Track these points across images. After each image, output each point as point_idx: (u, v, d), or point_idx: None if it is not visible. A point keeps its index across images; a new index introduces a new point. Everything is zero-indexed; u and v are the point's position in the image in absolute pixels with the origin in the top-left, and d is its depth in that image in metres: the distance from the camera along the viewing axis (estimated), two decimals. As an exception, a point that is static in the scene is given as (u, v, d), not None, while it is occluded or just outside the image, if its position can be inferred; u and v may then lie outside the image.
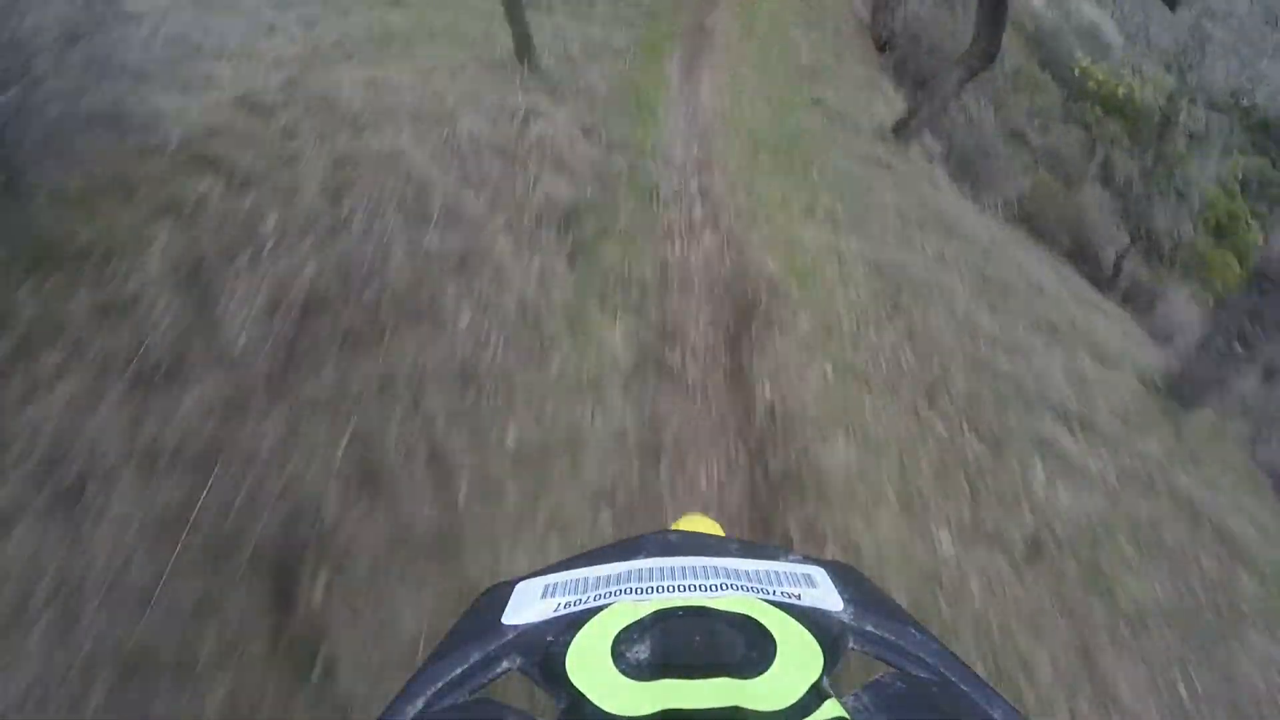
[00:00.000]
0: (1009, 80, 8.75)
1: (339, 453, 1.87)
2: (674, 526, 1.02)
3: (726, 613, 0.32)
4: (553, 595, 0.36)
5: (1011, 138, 7.85)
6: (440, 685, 0.31)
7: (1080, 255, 6.91)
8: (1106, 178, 8.37)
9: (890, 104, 6.65)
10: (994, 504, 2.51)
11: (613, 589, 0.35)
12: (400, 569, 1.69)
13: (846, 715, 0.26)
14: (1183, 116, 8.12)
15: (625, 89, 4.86)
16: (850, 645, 0.32)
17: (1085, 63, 9.16)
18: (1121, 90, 8.73)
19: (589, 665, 0.29)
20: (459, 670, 0.32)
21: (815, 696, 0.27)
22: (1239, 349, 3.57)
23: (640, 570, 0.37)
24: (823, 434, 2.45)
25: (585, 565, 0.39)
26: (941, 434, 2.71)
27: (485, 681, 0.32)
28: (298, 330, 2.11)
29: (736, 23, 7.49)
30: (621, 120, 4.32)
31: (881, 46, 8.22)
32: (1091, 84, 8.93)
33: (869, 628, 0.34)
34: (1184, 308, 6.59)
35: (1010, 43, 8.39)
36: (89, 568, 1.49)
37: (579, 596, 0.35)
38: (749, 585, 0.35)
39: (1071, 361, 3.62)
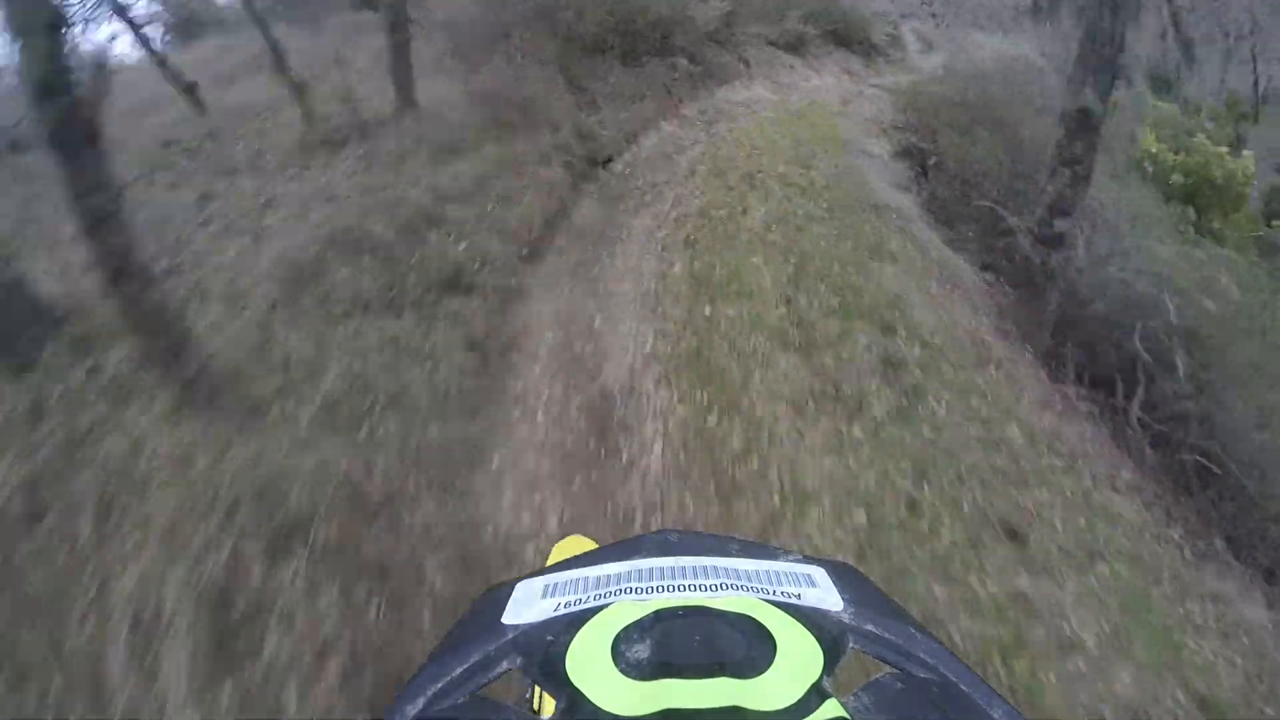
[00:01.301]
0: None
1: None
2: (555, 547, 1.05)
3: (727, 613, 0.32)
4: (553, 595, 0.36)
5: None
6: (440, 685, 0.31)
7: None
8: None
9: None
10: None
11: (613, 589, 0.35)
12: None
13: (846, 715, 0.26)
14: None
15: None
16: (850, 645, 0.32)
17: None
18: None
19: (589, 665, 0.29)
20: (459, 670, 0.32)
21: (815, 696, 0.27)
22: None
23: (640, 570, 0.37)
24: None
25: (585, 565, 0.39)
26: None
27: (485, 681, 0.31)
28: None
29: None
30: None
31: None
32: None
33: (869, 628, 0.34)
34: None
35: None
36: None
37: (579, 596, 0.35)
38: (749, 585, 0.35)
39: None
